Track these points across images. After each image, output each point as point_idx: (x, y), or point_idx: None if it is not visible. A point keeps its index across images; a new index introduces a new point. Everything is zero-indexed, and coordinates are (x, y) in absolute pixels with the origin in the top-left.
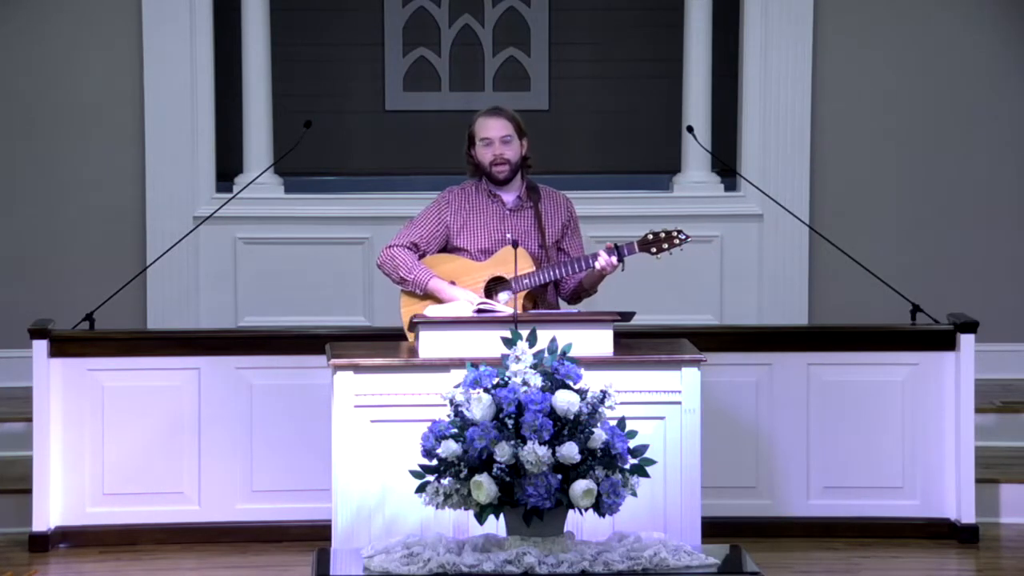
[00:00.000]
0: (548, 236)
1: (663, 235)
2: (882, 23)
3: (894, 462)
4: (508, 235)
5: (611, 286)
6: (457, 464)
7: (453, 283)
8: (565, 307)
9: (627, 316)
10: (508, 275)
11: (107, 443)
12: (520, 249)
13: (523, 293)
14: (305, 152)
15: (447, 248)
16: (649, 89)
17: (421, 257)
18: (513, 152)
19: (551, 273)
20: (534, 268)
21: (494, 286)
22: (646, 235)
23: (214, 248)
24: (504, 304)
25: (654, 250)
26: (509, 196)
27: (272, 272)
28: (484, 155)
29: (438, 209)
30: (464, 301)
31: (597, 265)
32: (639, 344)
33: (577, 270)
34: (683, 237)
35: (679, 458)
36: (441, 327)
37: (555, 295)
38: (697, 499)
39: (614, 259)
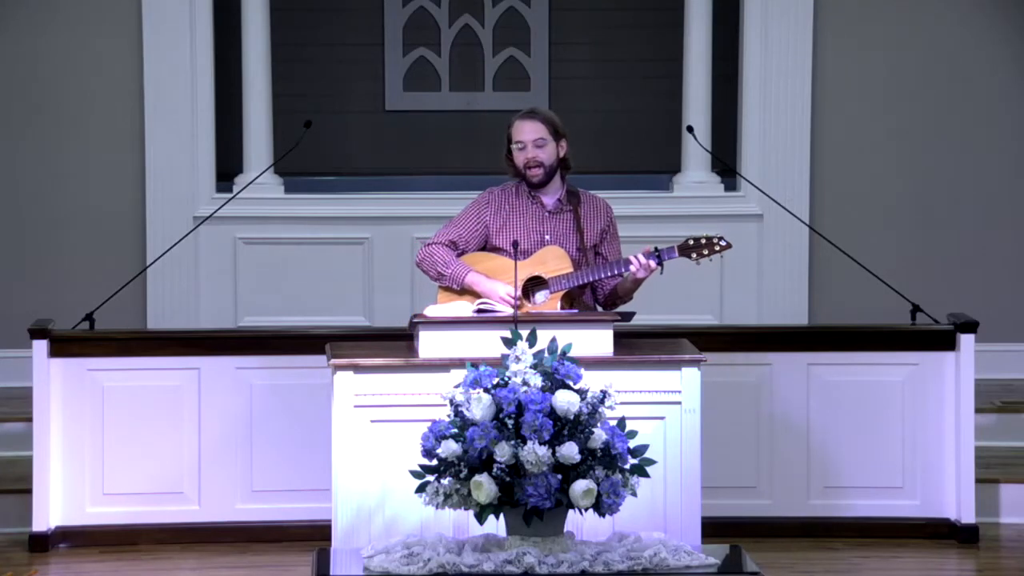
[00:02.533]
0: (587, 239)
1: (704, 241)
2: (882, 23)
3: (894, 462)
4: (547, 236)
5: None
6: (457, 464)
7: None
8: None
9: (627, 316)
10: (546, 275)
11: (107, 443)
12: (559, 249)
13: (560, 293)
14: (305, 152)
15: (486, 247)
16: (649, 89)
17: (460, 255)
18: (547, 155)
19: (589, 275)
20: (572, 269)
21: (532, 286)
22: (687, 240)
23: (214, 248)
24: (542, 303)
25: (694, 255)
26: (549, 199)
27: (272, 272)
28: (518, 158)
29: (478, 208)
30: (501, 292)
31: (633, 268)
32: (639, 344)
33: (613, 272)
34: (724, 244)
35: (679, 458)
36: (441, 327)
37: (592, 298)
38: (697, 499)
39: (653, 262)
